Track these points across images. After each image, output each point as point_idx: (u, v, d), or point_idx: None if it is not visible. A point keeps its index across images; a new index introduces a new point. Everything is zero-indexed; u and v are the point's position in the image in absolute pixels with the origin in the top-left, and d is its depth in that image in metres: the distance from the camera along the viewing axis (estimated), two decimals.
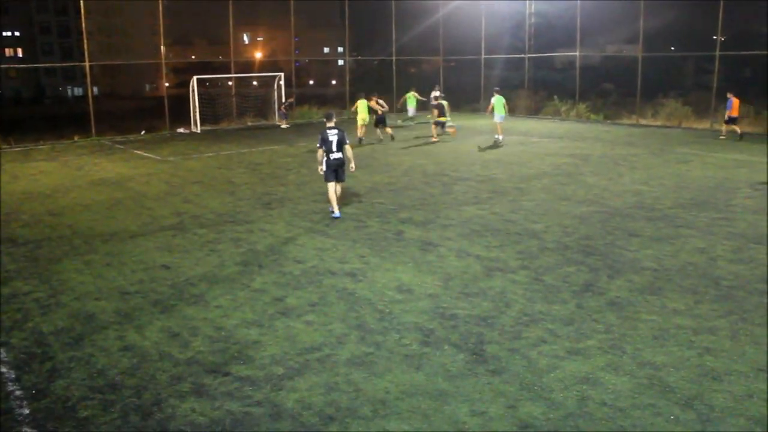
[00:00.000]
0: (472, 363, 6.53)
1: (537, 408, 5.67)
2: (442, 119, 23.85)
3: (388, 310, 7.94)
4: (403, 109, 31.05)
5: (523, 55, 34.99)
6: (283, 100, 31.13)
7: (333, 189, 12.55)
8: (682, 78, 37.03)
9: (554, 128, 27.67)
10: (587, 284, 8.74)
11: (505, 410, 5.65)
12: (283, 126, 30.17)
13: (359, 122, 23.46)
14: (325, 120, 12.87)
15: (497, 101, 23.15)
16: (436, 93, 29.08)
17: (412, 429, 5.38)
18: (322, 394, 5.99)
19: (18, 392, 6.21)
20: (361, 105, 23.64)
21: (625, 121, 30.22)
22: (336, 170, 12.47)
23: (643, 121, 29.22)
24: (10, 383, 6.40)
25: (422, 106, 31.59)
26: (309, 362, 6.63)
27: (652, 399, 5.77)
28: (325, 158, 12.36)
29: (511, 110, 35.27)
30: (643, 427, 5.34)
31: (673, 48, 33.75)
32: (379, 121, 24.11)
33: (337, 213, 12.60)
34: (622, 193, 14.39)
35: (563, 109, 33.01)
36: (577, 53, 32.13)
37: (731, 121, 23.03)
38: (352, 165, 12.99)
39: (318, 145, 12.41)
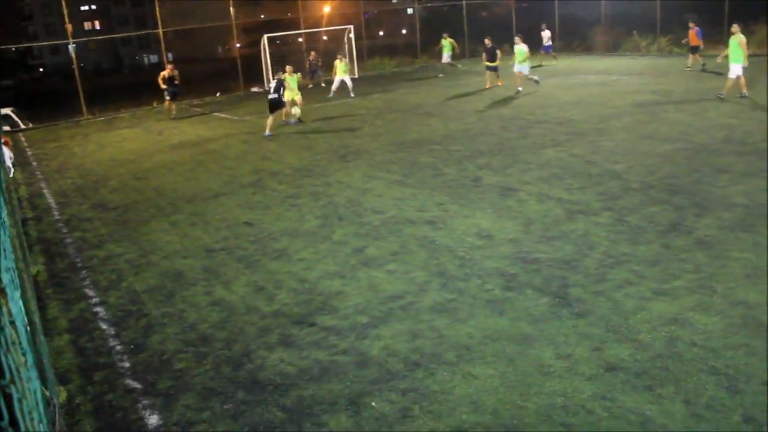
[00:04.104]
0: (555, 306, 6.46)
1: (624, 350, 5.57)
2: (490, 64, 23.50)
3: (468, 257, 7.91)
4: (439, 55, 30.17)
5: None
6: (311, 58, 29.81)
7: (270, 118, 17.66)
8: None
9: (634, 65, 26.63)
10: (673, 223, 8.46)
11: (590, 353, 5.58)
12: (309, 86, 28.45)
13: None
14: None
15: (518, 51, 21.72)
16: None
17: (498, 373, 5.39)
18: (407, 341, 6.05)
19: (118, 347, 6.54)
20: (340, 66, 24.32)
21: (711, 52, 28.71)
22: (271, 106, 17.71)
23: None
24: (110, 339, 6.75)
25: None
26: (392, 310, 6.70)
27: (745, 339, 5.58)
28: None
29: (587, 48, 34.29)
30: (736, 367, 5.18)
31: None
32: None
33: (268, 133, 17.58)
34: (708, 128, 13.76)
35: (643, 44, 31.63)
36: None
37: (693, 50, 23.64)
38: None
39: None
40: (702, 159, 11.33)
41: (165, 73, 22.67)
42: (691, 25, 23.80)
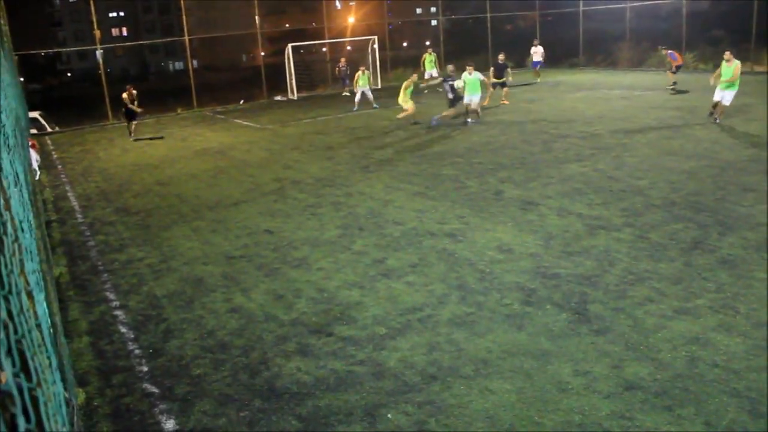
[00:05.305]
0: (575, 322, 6.42)
1: (643, 368, 5.51)
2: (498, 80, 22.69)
3: (488, 270, 7.89)
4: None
5: (624, 5, 33.46)
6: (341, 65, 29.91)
7: (451, 110, 18.87)
8: None
9: (659, 80, 26.42)
10: (696, 241, 8.38)
11: (609, 370, 5.53)
12: (345, 93, 28.64)
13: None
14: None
15: (468, 81, 18.46)
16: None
17: (515, 388, 5.36)
18: (424, 353, 6.04)
19: (137, 351, 6.59)
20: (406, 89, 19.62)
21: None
22: (453, 100, 18.83)
23: (758, 68, 27.37)
24: (129, 343, 6.80)
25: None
26: (410, 322, 6.69)
27: None
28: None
29: (612, 63, 34.13)
30: (759, 390, 5.11)
31: None
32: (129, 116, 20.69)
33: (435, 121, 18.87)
34: (734, 146, 13.63)
35: (668, 59, 31.44)
36: None
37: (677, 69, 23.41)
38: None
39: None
40: (727, 177, 11.22)
41: (126, 96, 20.29)
42: (664, 52, 24.16)
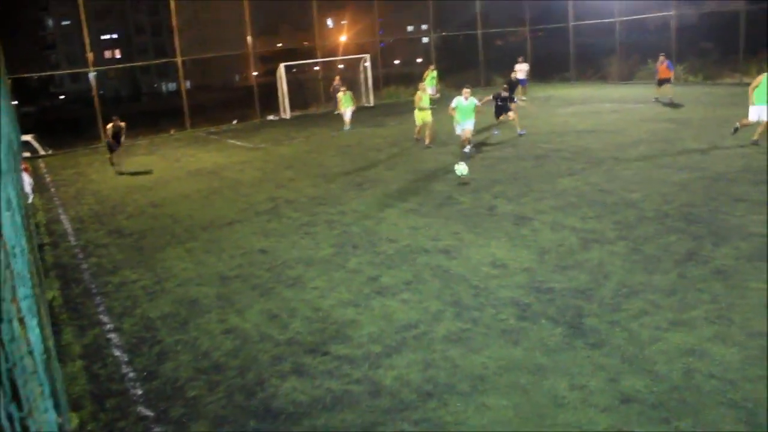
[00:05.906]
0: (570, 337, 6.41)
1: (640, 381, 5.51)
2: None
3: (483, 286, 7.89)
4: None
5: (613, 19, 33.71)
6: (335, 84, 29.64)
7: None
8: None
9: (649, 93, 26.59)
10: (690, 253, 8.39)
11: (606, 383, 5.52)
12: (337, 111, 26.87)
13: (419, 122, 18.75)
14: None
15: (462, 107, 16.31)
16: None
17: (511, 404, 5.34)
18: (420, 370, 6.02)
19: (131, 374, 6.55)
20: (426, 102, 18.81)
21: (727, 80, 28.67)
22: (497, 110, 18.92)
23: (747, 80, 27.49)
24: (123, 365, 6.76)
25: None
26: (406, 340, 6.67)
27: (764, 370, 5.49)
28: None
29: (602, 77, 34.36)
30: (755, 400, 5.10)
31: None
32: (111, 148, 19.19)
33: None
34: (726, 157, 13.69)
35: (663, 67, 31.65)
36: (672, 12, 30.65)
37: (664, 82, 23.62)
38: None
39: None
40: (719, 188, 11.27)
41: (109, 128, 19.17)
42: (661, 59, 24.05)
